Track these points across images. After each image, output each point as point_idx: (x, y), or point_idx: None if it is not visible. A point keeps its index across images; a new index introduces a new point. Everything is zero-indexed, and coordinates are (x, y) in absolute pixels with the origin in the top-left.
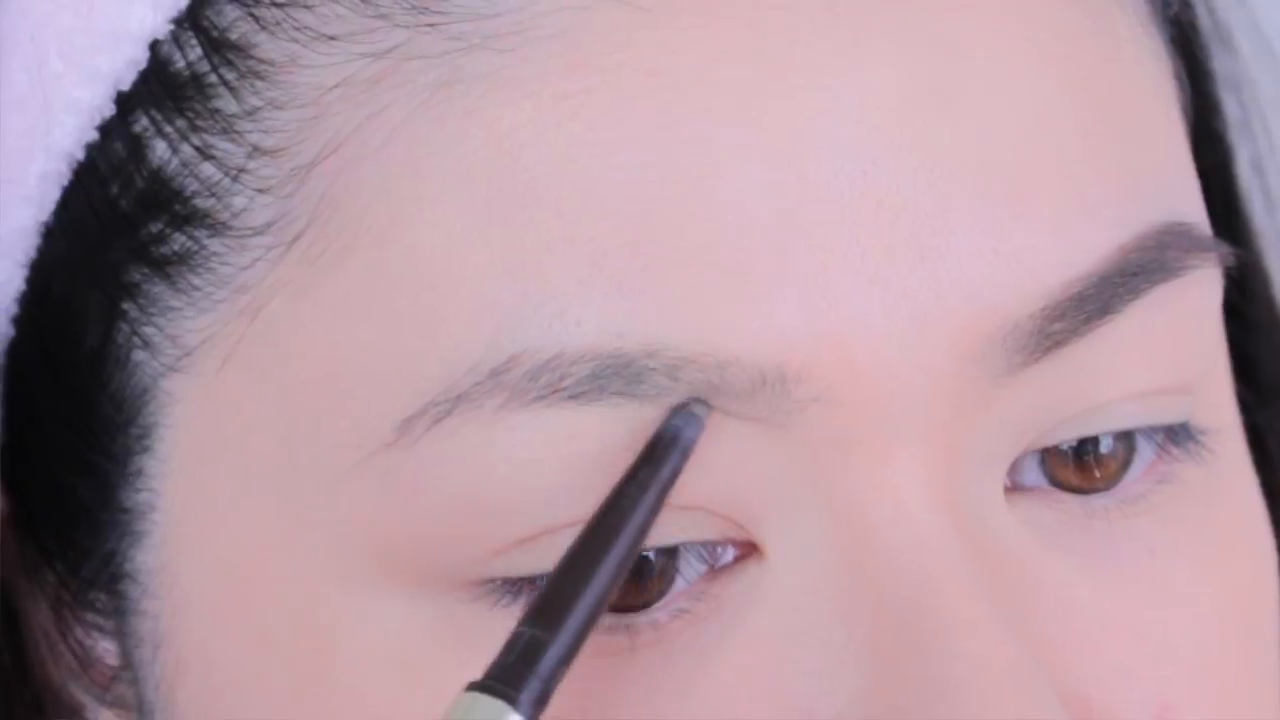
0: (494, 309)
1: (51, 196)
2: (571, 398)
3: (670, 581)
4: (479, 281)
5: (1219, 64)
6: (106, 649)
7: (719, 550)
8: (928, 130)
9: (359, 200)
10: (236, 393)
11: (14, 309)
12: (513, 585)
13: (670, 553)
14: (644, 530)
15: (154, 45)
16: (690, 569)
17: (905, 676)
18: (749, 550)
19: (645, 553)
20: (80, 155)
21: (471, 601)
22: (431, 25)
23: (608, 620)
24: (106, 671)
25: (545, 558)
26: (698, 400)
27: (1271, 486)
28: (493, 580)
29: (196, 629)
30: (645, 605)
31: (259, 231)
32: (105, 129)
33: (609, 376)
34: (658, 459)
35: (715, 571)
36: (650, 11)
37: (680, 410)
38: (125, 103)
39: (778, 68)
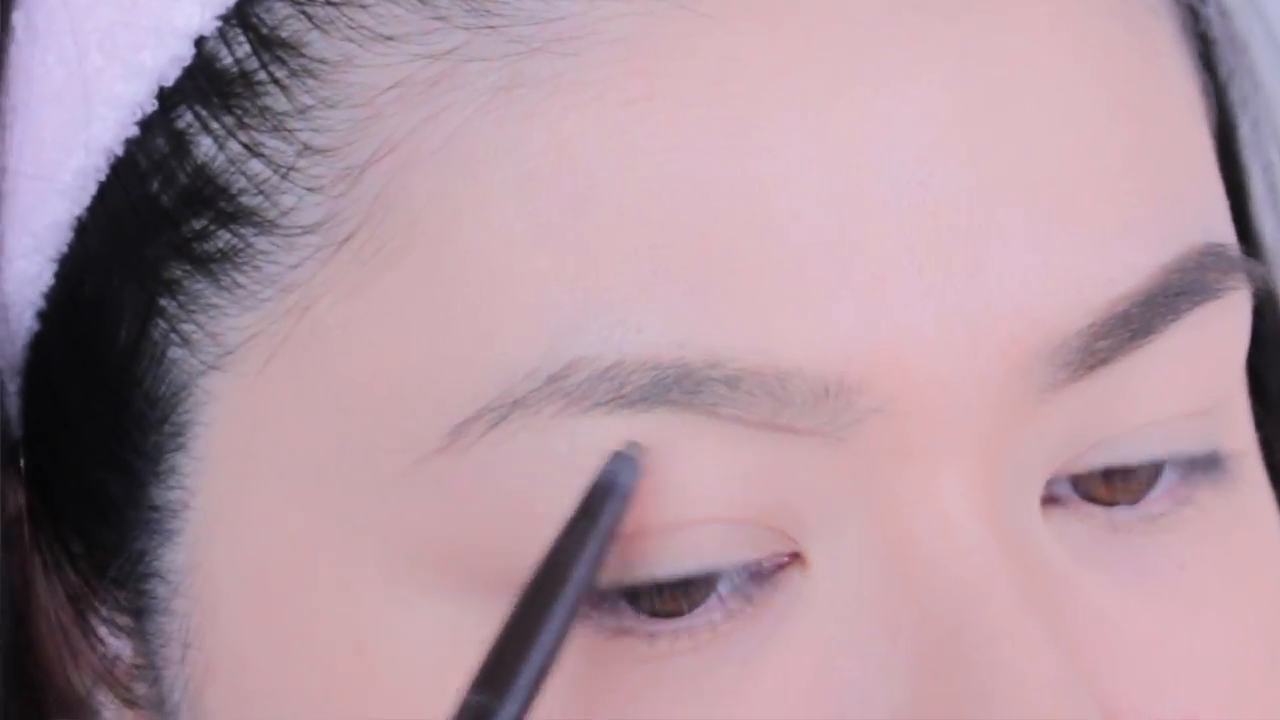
0: (552, 314)
1: (88, 191)
2: (629, 405)
3: (712, 588)
4: (538, 286)
5: (1235, 78)
6: (124, 647)
7: (765, 561)
8: (982, 144)
9: (414, 202)
10: (280, 392)
11: (41, 304)
12: None
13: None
14: (585, 585)
15: (199, 41)
16: (734, 574)
17: (949, 687)
18: (793, 558)
19: (691, 575)
20: (119, 150)
21: None
22: (491, 28)
23: (649, 627)
24: (127, 670)
25: (609, 573)
26: (633, 444)
27: None
28: None
29: (228, 629)
30: (686, 611)
31: (308, 230)
32: (146, 124)
33: (669, 386)
34: (595, 510)
35: (758, 579)
36: (714, 19)
37: (616, 455)
38: (168, 98)
39: (839, 79)
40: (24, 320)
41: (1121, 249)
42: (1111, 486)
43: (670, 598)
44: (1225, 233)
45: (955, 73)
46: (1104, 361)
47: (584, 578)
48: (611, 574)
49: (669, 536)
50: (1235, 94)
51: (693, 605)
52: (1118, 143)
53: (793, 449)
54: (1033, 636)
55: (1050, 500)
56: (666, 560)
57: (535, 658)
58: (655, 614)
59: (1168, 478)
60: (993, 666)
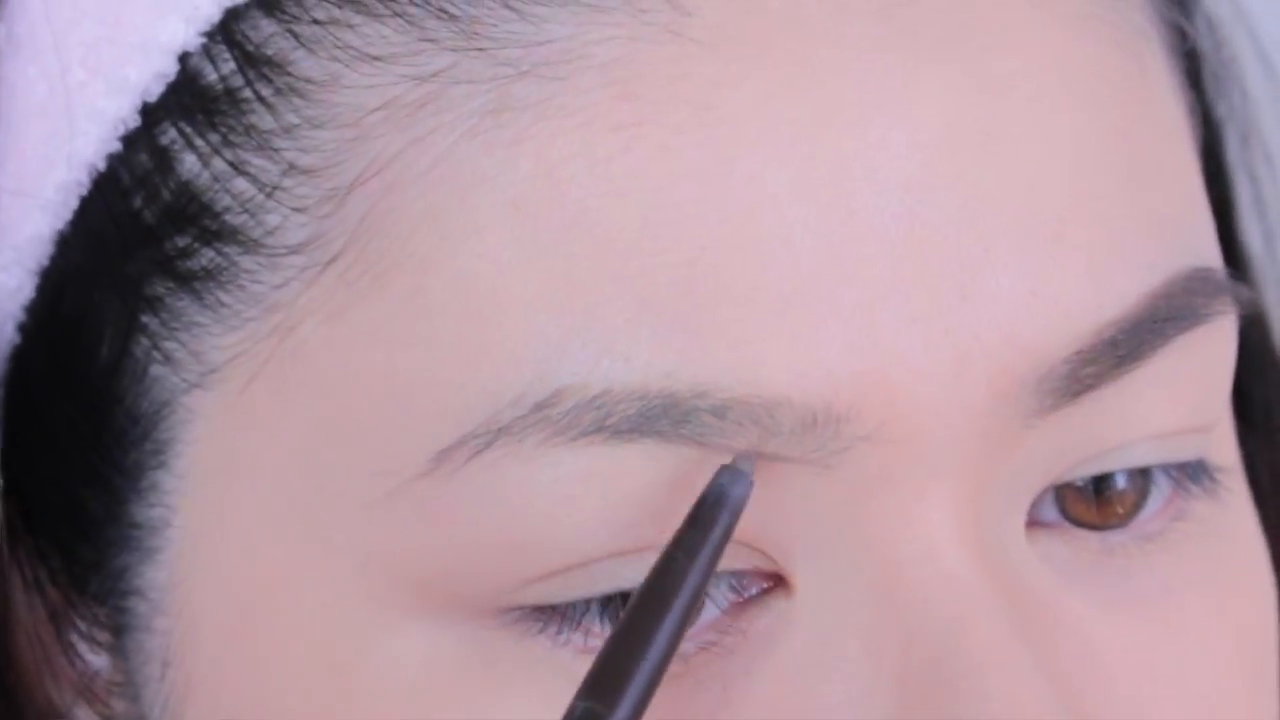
0: (539, 342)
1: (69, 206)
2: (615, 435)
3: (698, 612)
4: (525, 313)
5: (1222, 92)
6: (103, 664)
7: (746, 580)
8: (972, 170)
9: (401, 225)
10: (262, 412)
11: (22, 316)
12: (541, 614)
13: None
14: (698, 596)
15: (184, 57)
16: (718, 596)
17: (933, 714)
18: (777, 582)
19: None
20: (101, 165)
21: (498, 629)
22: (480, 50)
23: None
24: (106, 687)
25: (576, 588)
26: (744, 456)
27: (1265, 518)
28: (521, 608)
29: (208, 648)
30: None
31: (293, 250)
32: (129, 140)
33: (656, 416)
34: (706, 521)
35: (742, 604)
36: (704, 45)
37: (727, 468)
38: (151, 114)
39: (828, 105)
40: (4, 332)
41: (1110, 275)
42: (1101, 508)
43: None
44: (1212, 256)
45: (945, 99)
46: (1090, 388)
47: (695, 588)
48: (582, 588)
49: (649, 554)
50: (1222, 107)
51: None
52: (1108, 168)
53: (779, 476)
54: (1017, 664)
55: (1035, 524)
56: (632, 572)
57: (646, 666)
58: None
59: (1160, 491)
60: (977, 694)
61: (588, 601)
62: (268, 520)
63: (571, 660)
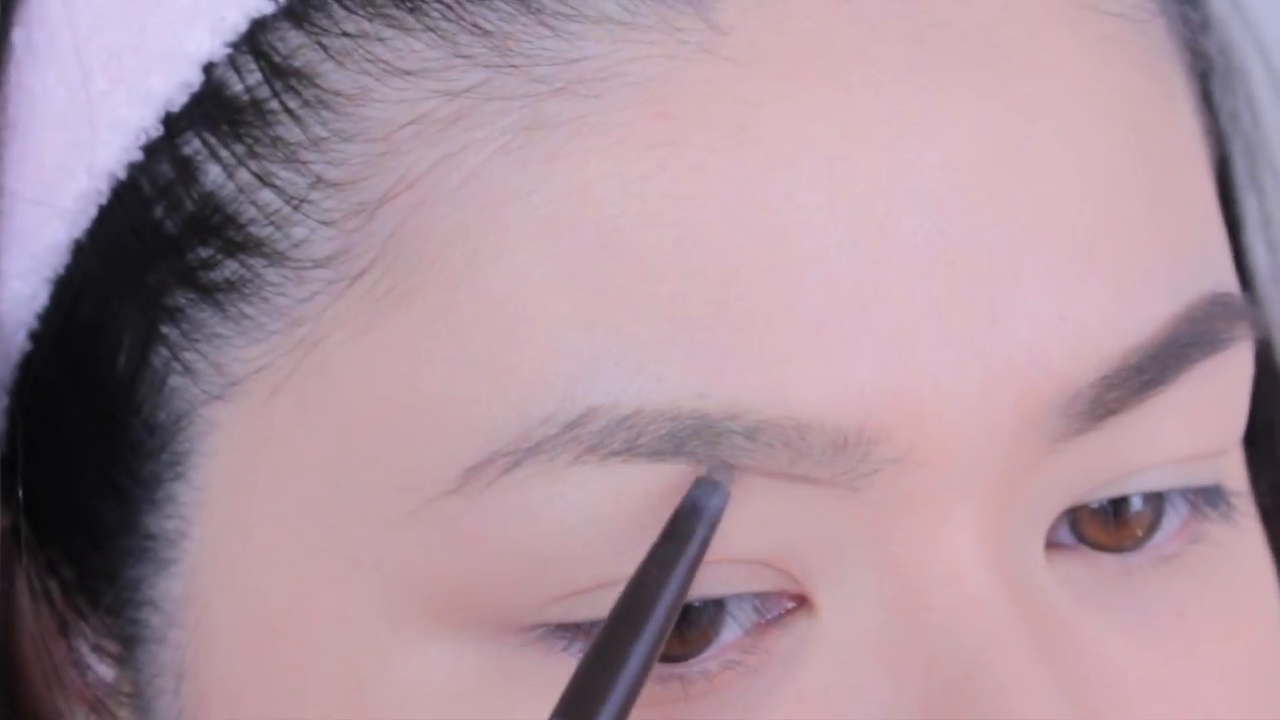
0: (571, 360)
1: (88, 214)
2: (646, 455)
3: (718, 631)
4: (556, 331)
5: (1233, 111)
6: (111, 674)
7: (770, 601)
8: (1002, 191)
9: (431, 241)
10: (285, 425)
11: (34, 324)
12: (565, 631)
13: (719, 603)
14: (675, 611)
15: (208, 68)
16: (742, 616)
17: None
18: (800, 602)
19: (693, 601)
20: (121, 174)
21: (521, 647)
22: (513, 66)
23: (660, 670)
24: (113, 698)
25: (601, 606)
26: (720, 468)
27: (1270, 539)
28: (545, 625)
29: (224, 662)
30: (691, 655)
31: (320, 264)
32: (151, 149)
33: (687, 437)
34: (682, 535)
35: (766, 623)
36: (739, 64)
37: (702, 480)
38: (174, 124)
39: (862, 125)
40: (16, 340)
41: (1137, 299)
42: (1115, 530)
43: (674, 640)
44: (1230, 281)
45: (977, 120)
46: (1113, 412)
47: (671, 603)
48: (607, 606)
49: None
50: (1232, 126)
51: (696, 650)
52: (1135, 191)
53: (806, 497)
54: (1041, 686)
55: (1052, 545)
56: None
57: (623, 683)
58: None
59: (1175, 514)
60: (1002, 716)
61: None
62: (288, 534)
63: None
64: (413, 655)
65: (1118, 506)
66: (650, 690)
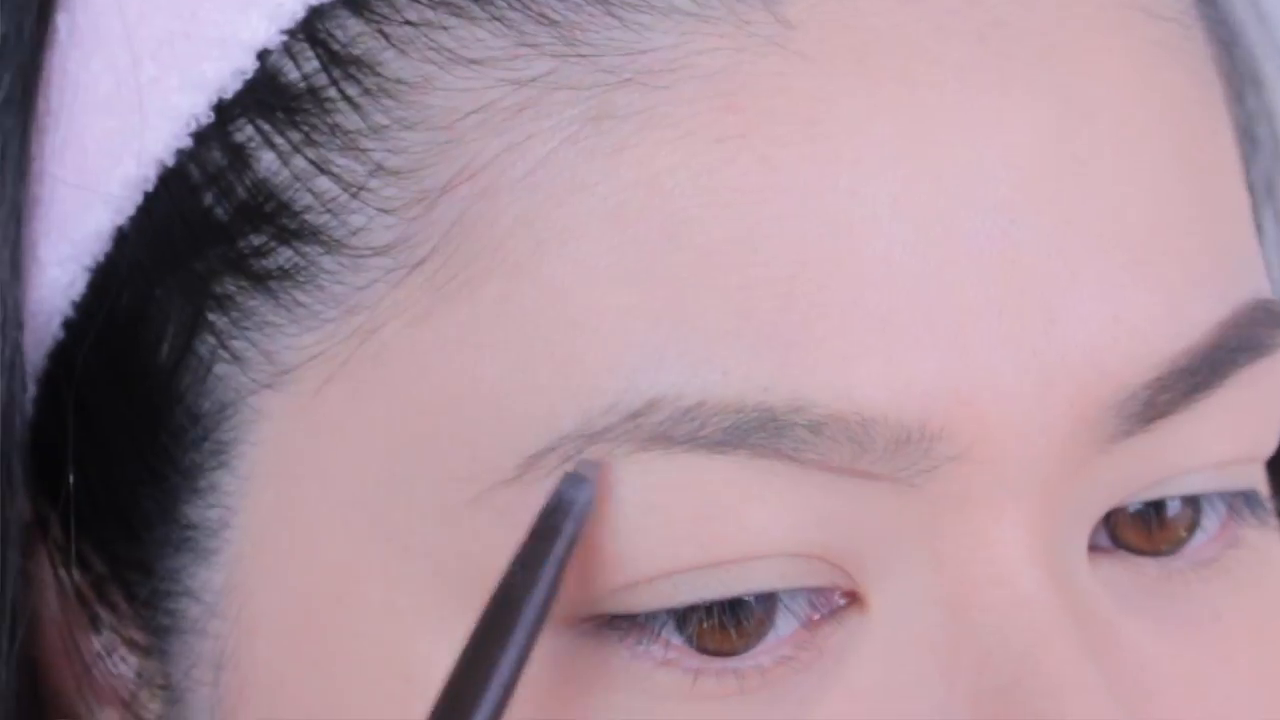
0: (635, 350)
1: (133, 201)
2: (708, 447)
3: (769, 625)
4: (621, 321)
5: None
6: (138, 665)
7: (823, 597)
8: (1062, 192)
9: (494, 230)
10: (337, 415)
11: (69, 312)
12: (620, 624)
13: (772, 596)
14: (546, 611)
15: (262, 55)
16: (797, 610)
17: None
18: (852, 599)
19: (746, 596)
20: (169, 161)
21: (576, 638)
22: (581, 56)
23: (715, 665)
24: (139, 689)
25: (658, 598)
26: (587, 463)
27: None
28: (600, 617)
29: (265, 652)
30: (744, 649)
31: (379, 252)
32: (201, 136)
33: (751, 429)
34: (548, 532)
35: (819, 620)
36: (808, 58)
37: (569, 475)
38: (225, 110)
39: (928, 123)
40: (50, 328)
41: (1187, 303)
42: (1155, 535)
43: (725, 636)
44: (1266, 289)
45: (1037, 121)
46: (1163, 415)
47: (539, 604)
48: (665, 598)
49: (736, 567)
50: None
51: (748, 644)
52: (1184, 196)
53: (864, 493)
54: (1092, 685)
55: (1093, 548)
56: (715, 584)
57: (492, 692)
58: (704, 649)
59: (1212, 518)
60: (1055, 716)
61: (669, 612)
62: (337, 523)
63: (650, 672)
64: (460, 645)
65: (1157, 509)
66: (705, 684)
